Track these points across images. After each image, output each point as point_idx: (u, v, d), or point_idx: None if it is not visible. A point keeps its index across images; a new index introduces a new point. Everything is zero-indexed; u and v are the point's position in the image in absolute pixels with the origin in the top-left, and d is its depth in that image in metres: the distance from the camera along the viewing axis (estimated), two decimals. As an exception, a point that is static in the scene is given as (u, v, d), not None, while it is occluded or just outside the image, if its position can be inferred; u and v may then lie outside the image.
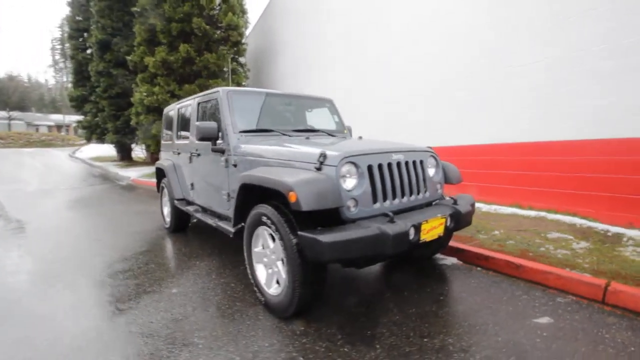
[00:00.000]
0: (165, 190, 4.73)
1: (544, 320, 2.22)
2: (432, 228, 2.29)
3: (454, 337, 2.04)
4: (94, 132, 17.82)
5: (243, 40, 13.09)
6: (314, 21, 10.24)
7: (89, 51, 17.60)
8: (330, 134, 3.60)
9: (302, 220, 2.12)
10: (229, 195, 3.09)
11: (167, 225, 4.71)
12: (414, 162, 2.55)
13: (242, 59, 13.46)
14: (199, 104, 3.74)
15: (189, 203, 4.15)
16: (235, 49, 12.90)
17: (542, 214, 4.23)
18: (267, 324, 2.21)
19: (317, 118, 3.95)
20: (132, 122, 12.82)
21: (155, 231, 4.78)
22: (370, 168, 2.27)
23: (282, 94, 3.77)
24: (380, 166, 2.32)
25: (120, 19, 15.29)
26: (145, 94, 11.60)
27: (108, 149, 20.12)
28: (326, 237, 1.86)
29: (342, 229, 1.98)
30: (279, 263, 2.29)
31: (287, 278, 2.15)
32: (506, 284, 2.79)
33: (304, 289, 2.09)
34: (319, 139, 3.13)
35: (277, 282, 2.35)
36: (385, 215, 2.16)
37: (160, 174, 4.99)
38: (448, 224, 2.44)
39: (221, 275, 3.08)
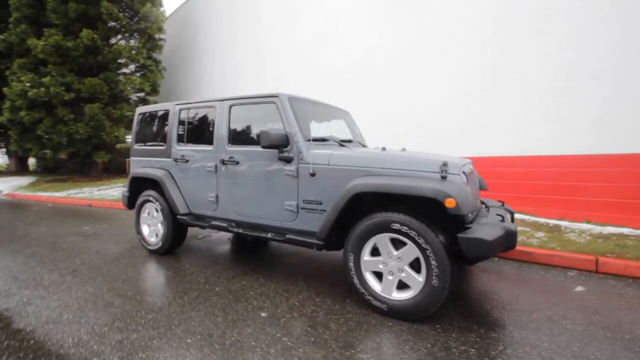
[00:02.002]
0: (152, 206, 3.95)
1: (580, 289, 2.95)
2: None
3: (537, 308, 2.53)
4: None
5: (161, 36, 11.70)
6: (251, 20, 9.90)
7: None
8: (362, 144, 3.79)
9: (433, 225, 2.28)
10: (297, 206, 2.92)
11: (153, 247, 3.94)
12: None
13: (158, 56, 11.98)
14: (231, 107, 3.37)
15: (199, 218, 3.62)
16: (151, 43, 11.42)
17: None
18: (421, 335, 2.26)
19: (336, 128, 4.05)
20: (3, 119, 9.73)
21: (141, 256, 3.95)
22: (465, 174, 2.60)
23: (318, 102, 3.74)
24: (465, 173, 2.67)
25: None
26: (28, 84, 9.04)
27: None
28: (489, 236, 2.09)
29: (485, 229, 2.25)
30: (407, 267, 2.37)
31: (425, 280, 2.26)
32: (527, 266, 3.51)
33: (451, 285, 2.24)
34: (374, 149, 3.28)
35: (397, 287, 2.41)
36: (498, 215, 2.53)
37: (138, 185, 4.15)
38: None
39: (313, 293, 2.86)
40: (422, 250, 2.24)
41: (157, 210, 3.96)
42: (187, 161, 3.66)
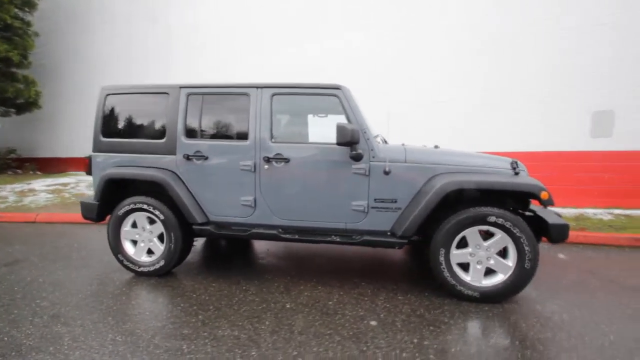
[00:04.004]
0: (142, 216, 3.05)
1: (562, 256, 3.82)
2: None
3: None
4: None
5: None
6: None
7: None
8: (384, 140, 3.88)
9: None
10: (368, 206, 2.79)
11: (148, 267, 3.07)
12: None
13: (29, 17, 8.96)
14: (273, 95, 2.91)
15: (223, 226, 3.02)
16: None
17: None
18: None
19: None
20: None
21: (130, 283, 3.02)
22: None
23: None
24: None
25: None
26: None
27: None
28: (568, 223, 2.52)
29: (558, 217, 2.68)
30: (497, 256, 2.60)
31: (516, 264, 2.53)
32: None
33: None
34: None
35: (484, 274, 2.63)
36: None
37: (113, 191, 3.13)
38: None
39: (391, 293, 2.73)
40: (516, 238, 2.52)
41: (150, 222, 3.10)
42: (207, 158, 2.99)
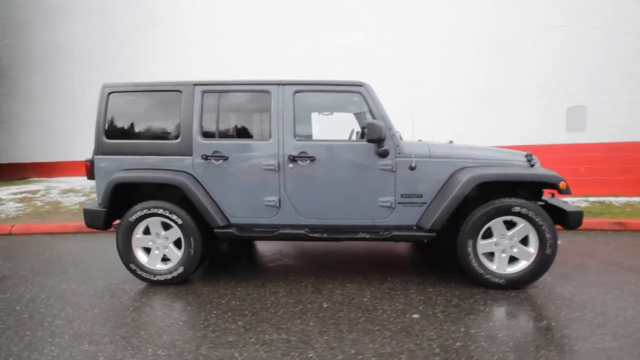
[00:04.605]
0: (156, 221, 2.87)
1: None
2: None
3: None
4: None
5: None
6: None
7: None
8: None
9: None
10: (394, 202, 2.82)
11: (165, 275, 2.89)
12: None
13: None
14: (296, 92, 2.85)
15: (245, 228, 2.92)
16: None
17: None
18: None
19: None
20: None
21: (148, 293, 2.83)
22: None
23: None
24: None
25: None
26: None
27: None
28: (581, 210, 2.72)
29: (570, 205, 2.87)
30: (519, 244, 2.73)
31: (537, 251, 2.68)
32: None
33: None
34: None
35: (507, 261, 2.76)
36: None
37: (121, 196, 2.91)
38: None
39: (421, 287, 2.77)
40: (538, 226, 2.66)
41: (164, 227, 2.93)
42: (227, 159, 2.87)
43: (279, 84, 2.89)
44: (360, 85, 2.85)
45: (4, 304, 2.65)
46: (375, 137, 2.64)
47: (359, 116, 3.59)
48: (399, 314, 2.40)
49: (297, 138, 2.87)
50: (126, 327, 2.28)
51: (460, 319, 2.31)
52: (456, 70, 6.73)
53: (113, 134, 2.99)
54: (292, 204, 2.89)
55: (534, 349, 1.96)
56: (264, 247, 4.02)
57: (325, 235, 2.87)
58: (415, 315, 2.37)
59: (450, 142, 3.31)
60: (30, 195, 6.31)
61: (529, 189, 2.97)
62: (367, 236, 2.84)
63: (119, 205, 2.96)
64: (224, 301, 2.64)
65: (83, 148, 9.09)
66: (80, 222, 4.86)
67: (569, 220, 2.72)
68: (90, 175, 3.03)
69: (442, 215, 2.71)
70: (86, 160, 3.06)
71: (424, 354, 1.93)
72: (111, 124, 2.99)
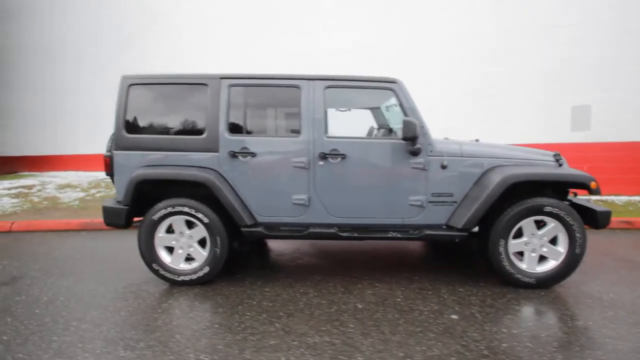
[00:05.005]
0: (180, 220, 2.76)
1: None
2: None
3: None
4: None
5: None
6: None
7: None
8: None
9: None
10: (425, 200, 2.80)
11: (190, 275, 2.79)
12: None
13: None
14: (327, 88, 2.78)
15: (272, 227, 2.85)
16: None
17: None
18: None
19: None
20: None
21: (170, 293, 2.74)
22: None
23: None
24: None
25: None
26: None
27: None
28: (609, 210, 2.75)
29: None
30: (549, 243, 2.75)
31: (567, 250, 2.70)
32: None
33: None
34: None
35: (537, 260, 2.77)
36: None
37: (143, 193, 2.79)
38: None
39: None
40: (569, 226, 2.68)
41: (188, 226, 2.83)
42: (255, 155, 2.78)
43: (309, 79, 2.80)
44: (393, 82, 2.80)
45: (22, 306, 2.52)
46: (411, 134, 2.60)
47: (376, 112, 3.56)
48: (436, 314, 2.38)
49: (327, 135, 2.80)
50: (159, 330, 2.19)
51: (499, 320, 2.31)
52: (456, 69, 6.75)
53: (134, 128, 2.86)
54: (322, 202, 2.83)
55: (579, 349, 1.98)
56: (280, 246, 3.96)
57: (356, 235, 2.83)
58: (454, 316, 2.36)
59: (477, 140, 3.30)
60: (26, 191, 6.04)
61: (555, 188, 2.99)
62: (399, 235, 2.81)
63: (138, 203, 2.84)
64: (255, 302, 2.57)
65: (76, 141, 8.82)
66: (85, 219, 4.72)
67: (598, 220, 2.75)
68: (109, 171, 2.90)
69: (475, 214, 2.70)
70: (105, 155, 2.92)
71: (473, 356, 1.91)
72: (132, 117, 2.86)
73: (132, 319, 2.35)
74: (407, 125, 2.58)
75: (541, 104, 6.26)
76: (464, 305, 2.51)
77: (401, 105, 2.79)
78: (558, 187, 2.96)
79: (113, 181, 3.23)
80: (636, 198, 5.83)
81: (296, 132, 2.80)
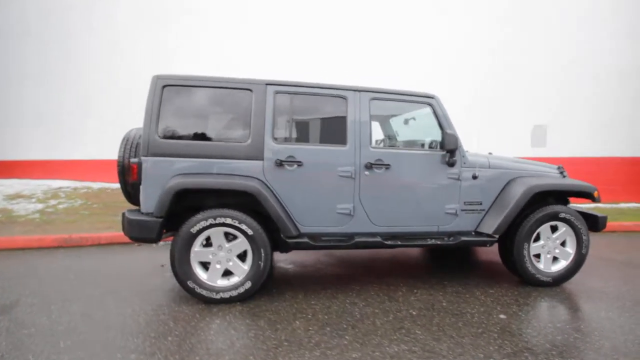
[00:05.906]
0: (219, 232, 2.57)
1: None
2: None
3: None
4: None
5: None
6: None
7: None
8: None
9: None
10: (458, 209, 2.99)
11: (229, 292, 2.59)
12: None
13: None
14: (372, 100, 2.84)
15: (314, 237, 2.79)
16: None
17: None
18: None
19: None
20: None
21: (206, 314, 2.51)
22: None
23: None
24: None
25: None
26: None
27: None
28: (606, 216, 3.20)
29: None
30: (560, 246, 3.10)
31: (575, 251, 3.08)
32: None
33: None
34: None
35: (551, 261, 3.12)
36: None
37: (180, 204, 2.55)
38: None
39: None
40: (577, 229, 3.07)
41: (228, 239, 2.65)
42: (301, 164, 2.72)
43: (355, 90, 2.85)
44: (431, 97, 2.97)
45: (39, 340, 2.10)
46: (452, 147, 2.78)
47: (384, 123, 3.72)
48: (487, 316, 2.54)
49: (373, 145, 2.86)
50: (227, 353, 2.01)
51: (540, 316, 2.56)
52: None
53: (168, 133, 2.61)
54: (366, 212, 2.86)
55: (620, 332, 2.27)
56: (297, 258, 3.85)
57: (399, 243, 2.90)
58: (502, 316, 2.54)
59: (490, 153, 3.62)
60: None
61: (558, 196, 3.39)
62: (438, 242, 2.96)
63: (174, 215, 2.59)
64: (309, 316, 2.49)
65: (28, 146, 7.58)
66: (61, 235, 4.12)
67: (599, 224, 3.19)
68: (137, 179, 2.59)
69: (505, 220, 2.96)
70: (131, 162, 2.61)
71: (540, 350, 2.09)
72: (166, 121, 2.61)
73: (185, 344, 2.11)
74: (449, 138, 2.76)
75: (506, 122, 7.07)
76: (503, 305, 2.72)
77: (438, 118, 2.97)
78: (561, 195, 3.38)
79: (125, 190, 2.93)
80: (589, 205, 6.81)
81: (342, 141, 2.82)
